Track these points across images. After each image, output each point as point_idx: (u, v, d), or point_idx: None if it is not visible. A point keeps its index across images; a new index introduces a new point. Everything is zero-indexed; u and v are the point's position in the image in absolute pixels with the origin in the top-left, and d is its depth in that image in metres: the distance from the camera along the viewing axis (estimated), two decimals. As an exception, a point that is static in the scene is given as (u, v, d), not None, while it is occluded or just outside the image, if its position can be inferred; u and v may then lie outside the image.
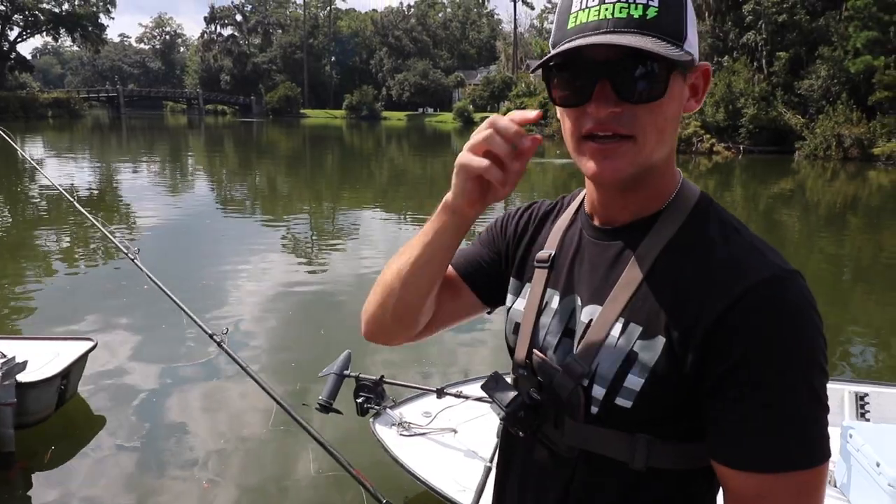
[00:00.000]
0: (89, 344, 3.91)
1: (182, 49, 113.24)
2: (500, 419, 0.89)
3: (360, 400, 3.09)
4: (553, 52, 0.76)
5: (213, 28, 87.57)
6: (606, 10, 0.74)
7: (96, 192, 15.42)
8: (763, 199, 18.01)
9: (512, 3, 72.66)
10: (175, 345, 5.25)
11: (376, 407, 2.96)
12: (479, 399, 2.69)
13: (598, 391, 0.80)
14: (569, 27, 0.77)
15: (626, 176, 0.78)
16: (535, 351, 0.89)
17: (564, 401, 0.83)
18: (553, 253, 0.93)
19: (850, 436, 2.63)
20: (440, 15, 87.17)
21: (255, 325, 6.04)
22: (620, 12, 0.73)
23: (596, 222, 0.88)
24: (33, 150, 27.70)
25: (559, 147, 37.10)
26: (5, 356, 3.17)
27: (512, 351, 0.95)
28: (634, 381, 0.77)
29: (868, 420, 3.21)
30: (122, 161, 23.74)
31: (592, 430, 0.82)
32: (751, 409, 0.71)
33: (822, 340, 0.73)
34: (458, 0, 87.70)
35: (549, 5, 75.75)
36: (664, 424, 0.78)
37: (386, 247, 9.89)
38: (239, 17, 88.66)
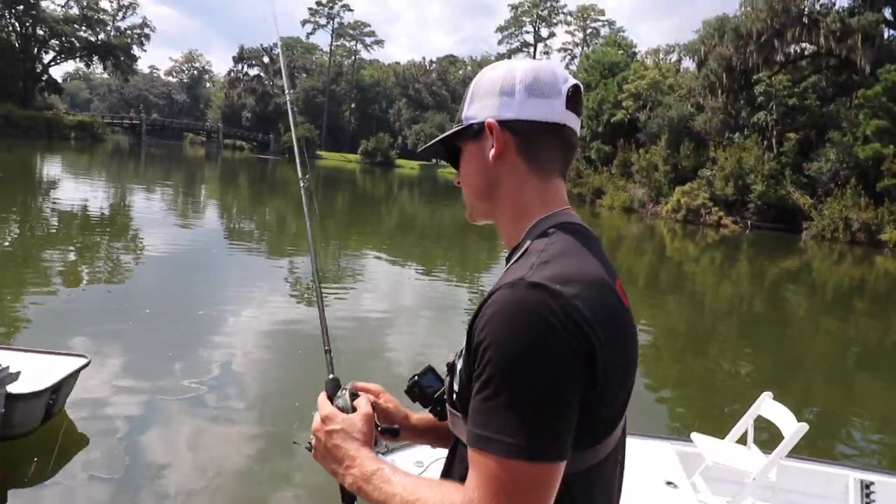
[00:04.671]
0: (83, 361, 3.85)
1: (208, 84, 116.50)
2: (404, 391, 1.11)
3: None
4: None
5: (240, 67, 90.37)
6: None
7: (108, 213, 15.57)
8: (769, 275, 17.97)
9: (531, 67, 74.84)
10: (165, 375, 5.19)
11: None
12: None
13: (453, 380, 0.96)
14: None
15: (470, 218, 1.09)
16: None
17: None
18: None
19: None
20: (460, 72, 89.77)
21: (253, 363, 5.96)
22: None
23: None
24: (52, 168, 28.22)
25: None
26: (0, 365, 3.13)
27: None
28: (459, 368, 0.93)
29: (873, 507, 3.08)
30: (137, 186, 24.09)
31: (453, 415, 0.95)
32: (475, 388, 0.82)
33: (538, 345, 0.78)
34: (479, 60, 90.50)
35: (567, 71, 77.86)
36: None
37: (388, 291, 9.85)
38: (266, 59, 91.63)
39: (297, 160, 1.65)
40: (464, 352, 0.90)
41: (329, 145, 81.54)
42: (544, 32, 77.77)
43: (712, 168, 31.65)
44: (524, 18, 77.46)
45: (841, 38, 29.45)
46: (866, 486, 3.09)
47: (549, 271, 0.83)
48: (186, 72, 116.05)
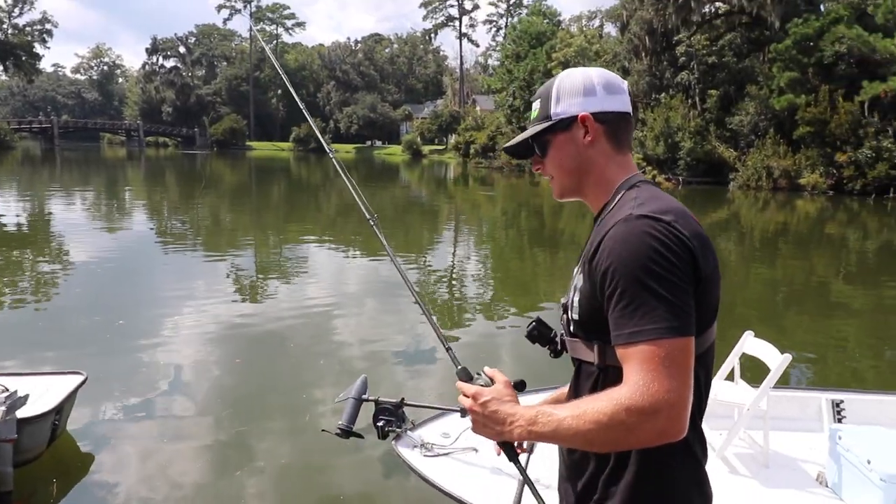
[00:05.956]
0: (80, 378, 3.76)
1: (121, 80, 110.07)
2: (525, 336, 1.34)
3: (380, 423, 3.11)
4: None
5: (154, 59, 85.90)
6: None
7: (26, 224, 14.70)
8: (702, 226, 18.96)
9: (458, 41, 74.76)
10: (154, 386, 5.12)
11: (397, 430, 2.98)
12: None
13: (570, 313, 1.20)
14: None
15: (561, 196, 1.31)
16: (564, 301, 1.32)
17: (562, 325, 1.28)
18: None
19: (840, 437, 2.86)
20: (387, 50, 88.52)
21: (237, 365, 5.92)
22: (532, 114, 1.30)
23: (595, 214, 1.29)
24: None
25: (507, 178, 38.14)
26: (7, 390, 3.04)
27: None
28: (576, 300, 1.17)
29: (843, 423, 3.48)
30: (54, 194, 22.76)
31: (574, 342, 1.21)
32: (612, 304, 1.05)
33: (655, 255, 1.02)
34: (405, 36, 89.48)
35: (494, 43, 78.23)
36: (606, 331, 1.08)
37: (332, 278, 9.77)
38: (182, 49, 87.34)
39: (360, 204, 1.89)
40: (581, 286, 1.15)
41: (258, 135, 79.10)
42: (468, 5, 77.53)
43: (643, 129, 32.81)
44: (447, -9, 76.78)
45: (751, -5, 30.89)
46: (837, 405, 3.48)
47: (648, 207, 1.09)
48: (95, 68, 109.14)
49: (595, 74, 1.24)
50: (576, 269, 1.25)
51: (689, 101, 33.20)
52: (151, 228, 15.57)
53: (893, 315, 8.87)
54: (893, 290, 10.52)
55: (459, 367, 1.32)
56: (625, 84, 1.26)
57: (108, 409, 4.53)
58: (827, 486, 2.94)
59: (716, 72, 32.90)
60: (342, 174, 1.86)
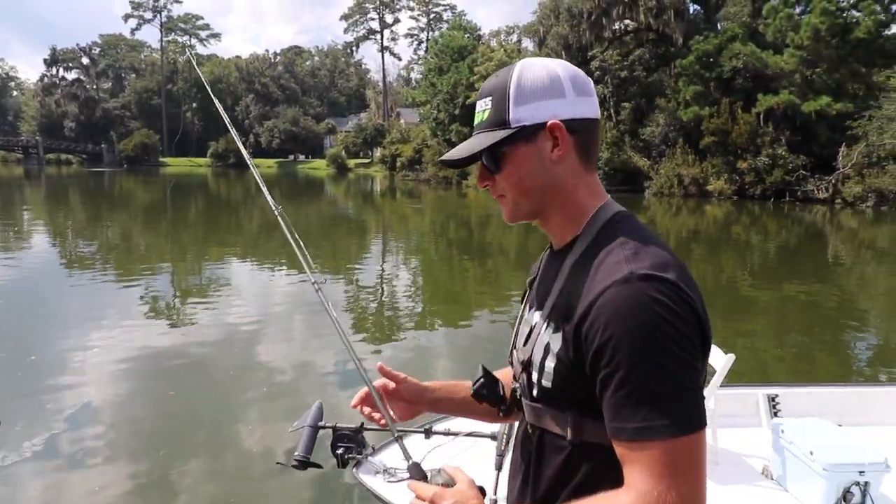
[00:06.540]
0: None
1: (16, 93, 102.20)
2: (471, 395, 1.14)
3: (339, 451, 2.97)
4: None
5: (54, 71, 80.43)
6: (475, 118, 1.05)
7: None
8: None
9: (380, 54, 74.85)
10: (71, 423, 4.70)
11: (357, 456, 2.87)
12: (470, 434, 2.72)
13: (535, 376, 0.99)
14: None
15: (513, 219, 1.05)
16: (513, 350, 1.12)
17: (518, 382, 1.07)
18: (532, 277, 1.14)
19: (783, 431, 3.02)
20: (308, 63, 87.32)
21: (164, 401, 5.54)
22: (479, 116, 1.03)
23: (553, 246, 1.08)
24: None
25: (434, 190, 38.39)
26: None
27: None
28: (549, 366, 0.96)
29: (779, 417, 3.68)
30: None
31: (537, 409, 1.01)
32: (612, 386, 0.85)
33: (668, 328, 0.83)
34: (326, 49, 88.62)
35: (416, 56, 78.95)
36: (584, 402, 0.91)
37: (257, 298, 9.41)
38: (86, 61, 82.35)
39: (302, 258, 1.55)
40: (559, 352, 0.94)
41: (173, 150, 75.66)
42: (389, 19, 78.02)
43: (563, 141, 33.99)
44: (368, 5, 76.99)
45: (657, 14, 32.93)
46: (772, 399, 3.69)
47: (648, 260, 0.88)
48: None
49: (560, 69, 0.99)
50: (537, 317, 1.03)
51: (605, 113, 34.73)
52: (57, 252, 14.45)
53: (796, 309, 9.58)
54: (794, 286, 11.35)
55: (411, 462, 1.07)
56: (590, 83, 1.01)
57: (23, 457, 4.09)
58: (772, 479, 3.09)
59: (628, 85, 34.65)
60: (285, 229, 1.58)
